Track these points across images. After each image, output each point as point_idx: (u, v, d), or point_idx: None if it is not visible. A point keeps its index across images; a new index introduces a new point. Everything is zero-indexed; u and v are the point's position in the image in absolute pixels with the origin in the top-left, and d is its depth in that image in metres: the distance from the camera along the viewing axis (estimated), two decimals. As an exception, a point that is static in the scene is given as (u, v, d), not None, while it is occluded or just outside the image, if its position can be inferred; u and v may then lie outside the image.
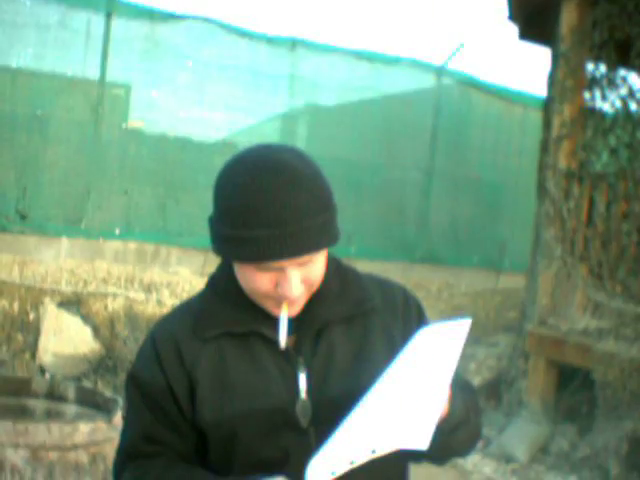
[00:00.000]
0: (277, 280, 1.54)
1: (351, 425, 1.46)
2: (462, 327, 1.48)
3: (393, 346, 1.61)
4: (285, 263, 1.51)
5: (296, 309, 1.61)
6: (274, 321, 1.61)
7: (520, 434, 6.55)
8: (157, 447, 1.68)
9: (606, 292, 6.50)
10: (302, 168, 1.53)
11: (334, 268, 1.71)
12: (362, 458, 1.45)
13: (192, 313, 1.70)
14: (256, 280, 1.55)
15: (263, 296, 1.58)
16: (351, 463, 1.46)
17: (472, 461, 6.23)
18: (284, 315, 1.57)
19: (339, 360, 1.65)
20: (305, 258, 1.52)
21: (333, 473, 1.45)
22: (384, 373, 1.47)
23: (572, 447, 6.34)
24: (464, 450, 1.73)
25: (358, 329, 1.69)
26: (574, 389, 6.76)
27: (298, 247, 1.49)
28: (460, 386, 1.59)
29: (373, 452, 1.45)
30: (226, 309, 1.66)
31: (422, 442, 1.43)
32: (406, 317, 1.73)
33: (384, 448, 1.45)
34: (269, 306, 1.60)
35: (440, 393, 1.44)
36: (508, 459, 6.33)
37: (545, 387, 6.71)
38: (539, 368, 6.70)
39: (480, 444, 6.39)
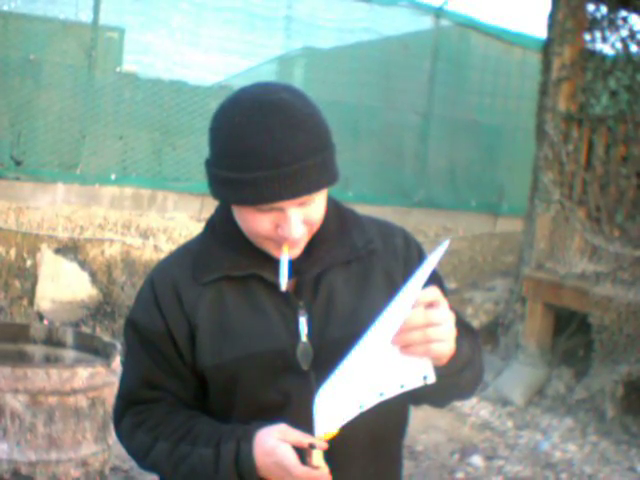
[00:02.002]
0: (277, 221, 1.53)
1: (355, 370, 1.45)
2: (442, 248, 1.45)
3: (394, 288, 1.58)
4: (285, 204, 1.49)
5: (297, 251, 1.59)
6: (274, 264, 1.59)
7: (517, 377, 6.59)
8: (157, 393, 1.67)
9: (604, 236, 6.50)
10: (300, 107, 1.50)
11: (333, 210, 1.69)
12: (370, 402, 1.46)
13: (191, 257, 1.67)
14: (256, 222, 1.54)
15: (264, 238, 1.56)
16: (360, 407, 1.46)
17: (469, 404, 6.29)
18: (285, 257, 1.55)
19: (340, 303, 1.64)
20: (305, 198, 1.50)
21: (343, 419, 1.46)
22: (381, 315, 1.46)
23: (568, 390, 6.39)
24: (469, 390, 1.72)
25: (358, 272, 1.67)
26: (571, 333, 6.80)
27: (298, 187, 1.47)
28: (463, 328, 1.58)
29: (381, 395, 1.46)
30: (225, 252, 1.64)
31: (429, 376, 1.45)
32: (407, 259, 1.71)
33: (392, 390, 1.46)
34: (270, 248, 1.58)
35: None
36: (505, 402, 6.39)
37: (542, 331, 6.74)
38: (536, 312, 6.73)
39: (477, 387, 6.43)
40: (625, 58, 6.78)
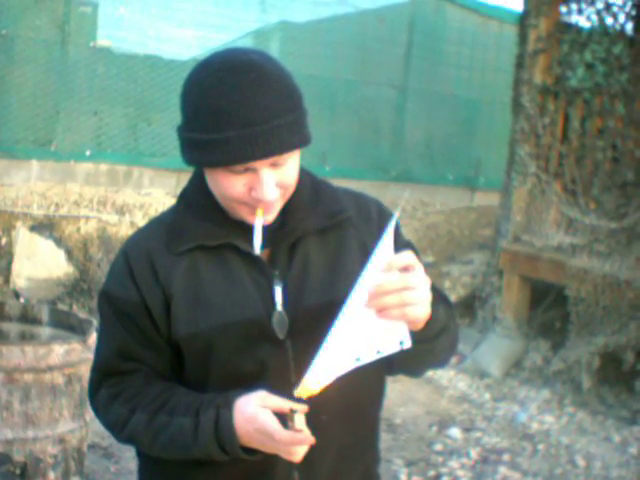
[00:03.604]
0: (251, 184, 1.52)
1: (336, 337, 1.46)
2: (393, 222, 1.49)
3: (368, 257, 1.59)
4: (257, 164, 1.49)
5: (271, 216, 1.59)
6: (248, 233, 1.58)
7: (494, 350, 6.64)
8: (132, 364, 1.65)
9: (580, 208, 6.53)
10: (270, 68, 1.50)
11: (307, 181, 1.69)
12: (347, 367, 1.46)
13: (165, 227, 1.66)
14: (230, 186, 1.53)
15: (237, 203, 1.55)
16: (338, 371, 1.47)
17: (447, 377, 6.32)
18: (259, 221, 1.55)
19: (314, 272, 1.64)
20: (277, 159, 1.50)
21: (326, 378, 1.46)
22: (357, 283, 1.46)
23: (545, 362, 6.44)
24: (444, 358, 1.73)
25: (333, 241, 1.67)
26: (547, 305, 6.84)
27: (270, 146, 1.46)
28: (438, 294, 1.58)
29: (357, 360, 1.47)
30: (199, 223, 1.63)
31: (405, 341, 1.46)
32: (381, 229, 1.71)
33: (369, 355, 1.47)
34: (244, 214, 1.57)
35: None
36: (482, 374, 6.43)
37: (519, 303, 6.78)
38: (513, 285, 6.76)
39: (454, 360, 6.47)
40: (601, 30, 6.77)
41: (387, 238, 1.46)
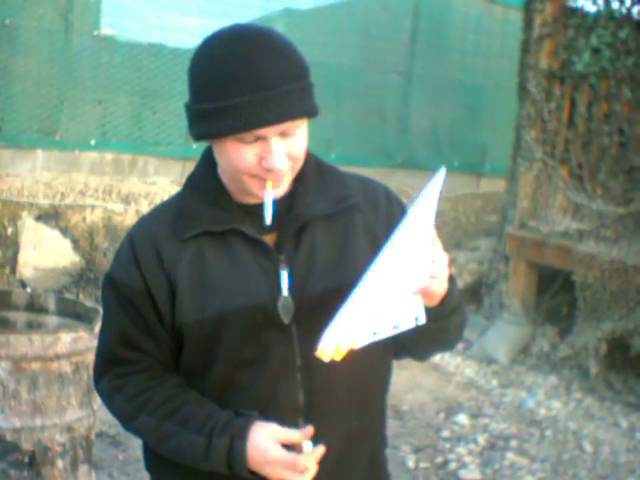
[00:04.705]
0: (261, 154, 1.51)
1: (354, 304, 1.47)
2: (439, 178, 1.49)
3: (375, 243, 1.59)
4: (267, 132, 1.48)
5: (281, 190, 1.58)
6: (254, 219, 1.59)
7: (501, 336, 6.63)
8: (134, 354, 1.65)
9: (586, 194, 6.50)
10: (277, 36, 1.52)
11: (314, 166, 1.68)
12: (365, 340, 1.48)
13: (171, 213, 1.65)
14: (240, 156, 1.52)
15: (248, 175, 1.54)
16: (356, 343, 1.49)
17: (454, 363, 6.32)
18: (269, 193, 1.55)
19: (321, 257, 1.63)
20: (287, 127, 1.50)
21: (338, 346, 1.47)
22: (377, 259, 1.48)
23: (552, 348, 6.43)
24: (454, 339, 1.75)
25: (340, 226, 1.67)
26: (554, 291, 6.83)
27: (281, 111, 1.47)
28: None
29: (375, 334, 1.49)
30: (205, 208, 1.62)
31: (420, 317, 1.50)
32: (389, 214, 1.71)
33: (386, 330, 1.48)
34: (254, 188, 1.56)
35: (427, 250, 1.47)
36: (489, 361, 6.43)
37: (526, 289, 6.77)
38: (520, 271, 6.75)
39: (461, 346, 6.47)
40: (607, 15, 6.73)
41: (423, 210, 1.46)
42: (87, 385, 3.46)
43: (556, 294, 6.81)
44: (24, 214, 6.50)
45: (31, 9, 6.86)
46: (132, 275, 1.63)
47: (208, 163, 1.64)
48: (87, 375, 3.44)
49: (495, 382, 6.09)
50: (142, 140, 7.16)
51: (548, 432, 5.23)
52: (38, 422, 3.31)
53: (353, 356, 1.48)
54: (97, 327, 3.49)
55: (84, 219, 6.72)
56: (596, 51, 6.80)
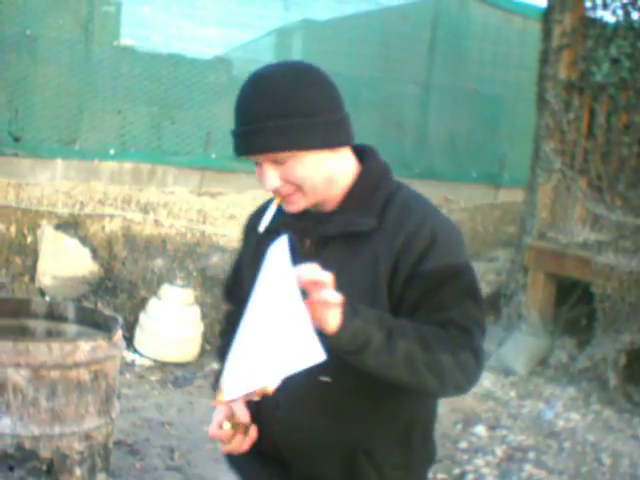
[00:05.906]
0: (260, 175, 1.77)
1: (239, 350, 1.53)
2: (282, 242, 1.59)
3: (375, 275, 1.73)
4: (259, 158, 1.74)
5: (292, 207, 1.78)
6: (297, 223, 1.81)
7: (519, 347, 6.60)
8: (230, 303, 2.12)
9: (605, 205, 6.47)
10: (277, 79, 1.71)
11: (366, 185, 1.80)
12: (261, 383, 1.49)
13: (262, 205, 1.97)
14: (257, 173, 1.79)
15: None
16: (262, 384, 1.49)
17: (472, 374, 6.28)
18: (274, 205, 1.79)
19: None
20: (274, 156, 1.70)
21: (250, 387, 1.50)
22: (249, 305, 1.57)
23: (571, 360, 6.40)
24: (411, 383, 1.68)
25: (349, 249, 1.76)
26: (573, 302, 6.79)
27: (252, 145, 1.72)
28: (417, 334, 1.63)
29: (270, 376, 1.48)
30: (267, 206, 1.85)
31: (316, 355, 1.44)
32: (421, 256, 1.72)
33: (282, 370, 1.47)
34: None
35: (295, 305, 1.46)
36: (507, 372, 6.40)
37: (544, 300, 6.73)
38: (538, 282, 6.72)
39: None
40: (626, 25, 6.71)
41: (279, 259, 1.55)
42: (105, 393, 3.47)
43: (575, 305, 6.77)
44: (43, 223, 6.54)
45: (51, 19, 6.91)
46: (243, 238, 2.10)
47: None
48: (105, 383, 3.45)
49: (513, 393, 6.06)
50: (161, 150, 7.18)
51: (566, 444, 5.19)
52: (57, 430, 3.31)
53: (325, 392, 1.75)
54: (116, 336, 3.50)
55: (103, 228, 6.75)
56: (615, 62, 6.78)
